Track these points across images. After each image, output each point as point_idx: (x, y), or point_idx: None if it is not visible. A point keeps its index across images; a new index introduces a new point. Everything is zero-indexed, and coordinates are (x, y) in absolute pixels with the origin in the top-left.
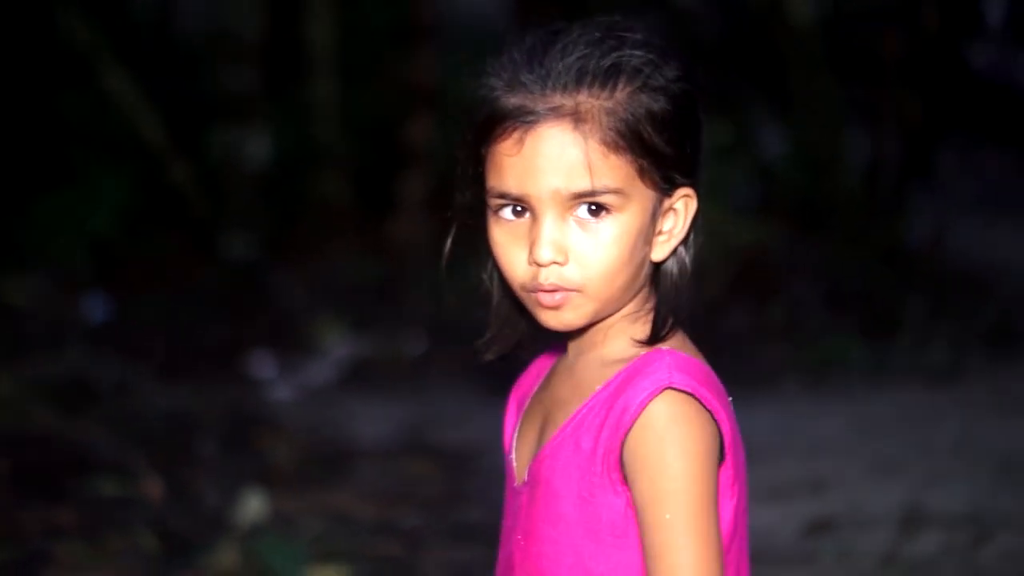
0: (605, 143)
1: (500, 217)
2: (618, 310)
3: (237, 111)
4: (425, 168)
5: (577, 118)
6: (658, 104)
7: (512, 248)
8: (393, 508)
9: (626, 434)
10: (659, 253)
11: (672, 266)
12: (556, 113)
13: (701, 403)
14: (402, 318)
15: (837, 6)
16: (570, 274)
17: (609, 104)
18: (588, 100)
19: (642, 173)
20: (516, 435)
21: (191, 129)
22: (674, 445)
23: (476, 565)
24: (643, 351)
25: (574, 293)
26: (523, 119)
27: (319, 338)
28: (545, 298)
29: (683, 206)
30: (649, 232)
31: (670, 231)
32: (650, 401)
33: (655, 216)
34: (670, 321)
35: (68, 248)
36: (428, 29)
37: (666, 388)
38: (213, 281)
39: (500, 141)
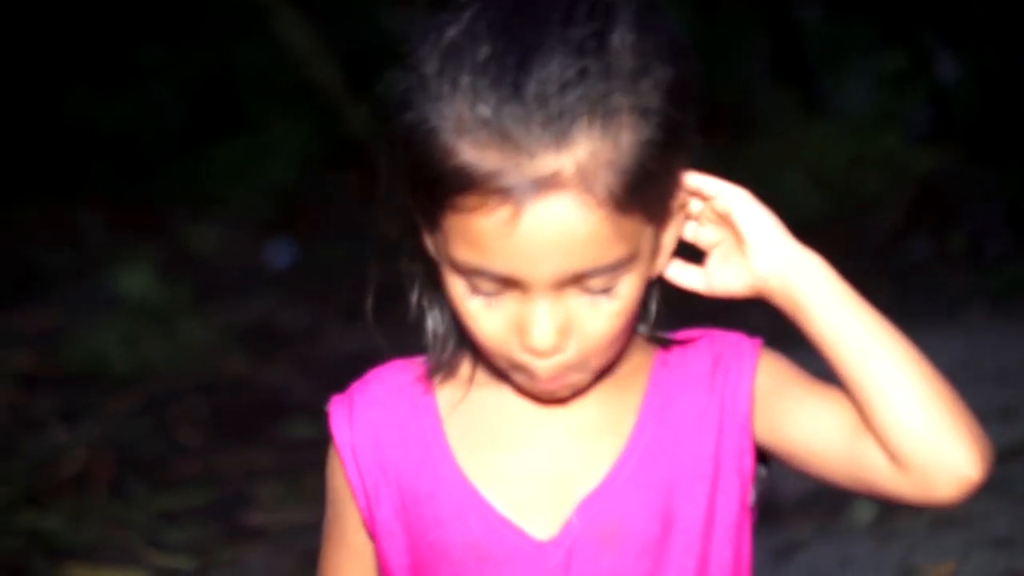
0: (617, 208)
1: (471, 282)
2: None
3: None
4: None
5: (582, 185)
6: (659, 129)
7: (489, 318)
8: None
9: (751, 395)
10: (660, 269)
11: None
12: (555, 181)
13: None
14: None
15: None
16: (571, 357)
17: (614, 155)
18: (588, 156)
19: (649, 219)
20: (475, 483)
21: (365, 74)
22: None
23: None
24: (654, 344)
25: (572, 372)
26: (512, 192)
27: None
28: (544, 377)
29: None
30: (652, 267)
31: (670, 244)
32: (760, 353)
33: (658, 248)
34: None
35: (249, 195)
36: None
37: (760, 343)
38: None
39: (477, 215)
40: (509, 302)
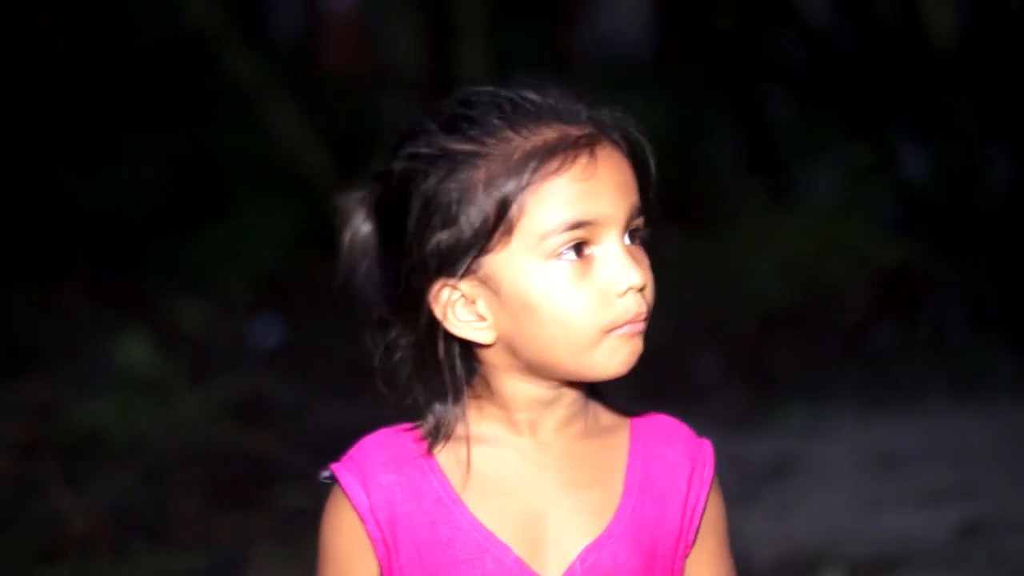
0: (630, 162)
1: (561, 260)
2: None
3: None
4: None
5: (610, 137)
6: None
7: (579, 291)
8: None
9: (707, 498)
10: None
11: None
12: (603, 130)
13: None
14: None
15: (976, 21)
16: (647, 298)
17: (623, 123)
18: (607, 118)
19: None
20: (489, 527)
21: (348, 160)
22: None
23: None
24: (623, 414)
25: (643, 327)
26: (583, 142)
27: None
28: (637, 326)
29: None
30: None
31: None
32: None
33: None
34: None
35: (235, 277)
36: (574, 58)
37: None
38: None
39: (560, 172)
40: (586, 268)
